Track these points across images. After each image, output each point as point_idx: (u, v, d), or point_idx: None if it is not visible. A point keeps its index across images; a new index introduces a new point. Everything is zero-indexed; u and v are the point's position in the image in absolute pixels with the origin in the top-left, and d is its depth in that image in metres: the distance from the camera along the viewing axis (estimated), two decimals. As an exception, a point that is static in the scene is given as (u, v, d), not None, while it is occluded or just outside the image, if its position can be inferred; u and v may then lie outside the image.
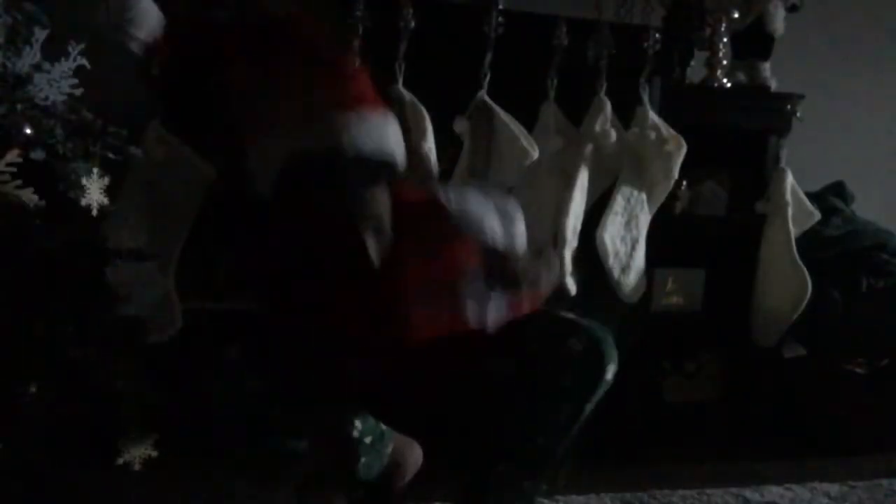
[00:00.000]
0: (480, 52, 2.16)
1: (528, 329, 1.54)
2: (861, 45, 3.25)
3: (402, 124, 1.89)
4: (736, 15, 2.58)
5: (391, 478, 1.81)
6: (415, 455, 1.85)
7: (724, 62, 2.59)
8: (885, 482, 2.25)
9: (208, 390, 1.58)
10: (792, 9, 2.66)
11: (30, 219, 1.46)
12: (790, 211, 2.48)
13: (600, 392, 1.47)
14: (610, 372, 1.46)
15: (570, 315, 1.56)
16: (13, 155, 1.43)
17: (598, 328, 1.50)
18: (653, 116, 2.33)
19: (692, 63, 2.63)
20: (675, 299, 2.54)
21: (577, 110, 2.29)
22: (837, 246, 2.61)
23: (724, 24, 2.58)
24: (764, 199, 2.52)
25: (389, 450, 1.76)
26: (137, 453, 1.79)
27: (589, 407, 1.48)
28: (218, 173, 2.04)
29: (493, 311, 1.53)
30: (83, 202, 1.51)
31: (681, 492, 2.11)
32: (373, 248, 1.43)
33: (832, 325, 2.51)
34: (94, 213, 1.53)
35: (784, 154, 2.55)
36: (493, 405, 1.53)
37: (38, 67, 1.50)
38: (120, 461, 1.58)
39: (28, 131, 1.46)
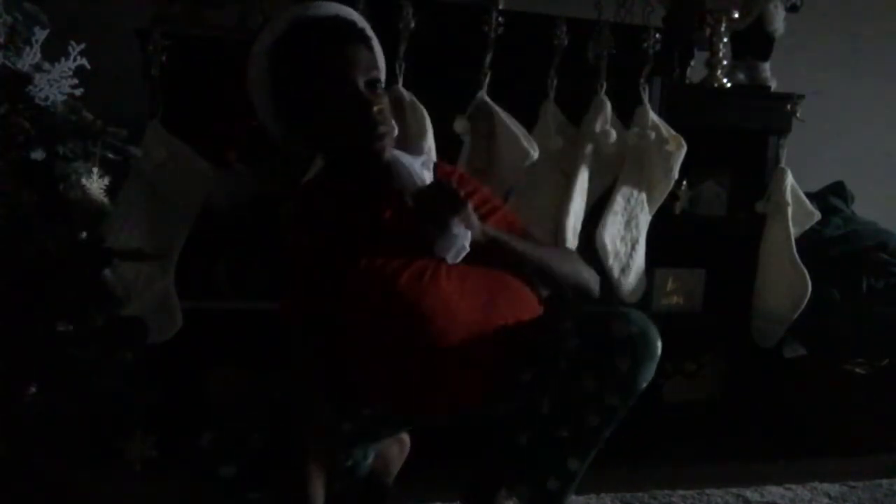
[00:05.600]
0: (480, 52, 2.16)
1: (561, 327, 1.55)
2: (861, 45, 3.25)
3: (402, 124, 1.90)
4: (736, 15, 2.58)
5: (380, 473, 1.81)
6: (401, 449, 1.85)
7: (724, 62, 2.59)
8: (885, 482, 2.25)
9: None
10: (792, 9, 2.66)
11: (30, 219, 1.46)
12: (790, 211, 2.48)
13: (653, 368, 1.51)
14: (659, 347, 1.49)
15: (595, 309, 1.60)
16: None
17: (631, 311, 1.53)
18: (653, 116, 2.33)
19: (692, 63, 2.63)
20: (675, 299, 2.54)
21: (577, 110, 2.29)
22: (837, 246, 2.61)
23: (724, 24, 2.57)
24: (764, 199, 2.52)
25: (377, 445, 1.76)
26: (137, 453, 1.79)
27: (643, 383, 1.52)
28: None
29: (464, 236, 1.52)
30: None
31: (681, 492, 2.11)
32: None
33: (832, 325, 2.51)
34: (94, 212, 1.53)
35: (784, 154, 2.55)
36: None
37: (38, 67, 1.49)
38: (120, 461, 1.57)
39: (28, 131, 1.46)
